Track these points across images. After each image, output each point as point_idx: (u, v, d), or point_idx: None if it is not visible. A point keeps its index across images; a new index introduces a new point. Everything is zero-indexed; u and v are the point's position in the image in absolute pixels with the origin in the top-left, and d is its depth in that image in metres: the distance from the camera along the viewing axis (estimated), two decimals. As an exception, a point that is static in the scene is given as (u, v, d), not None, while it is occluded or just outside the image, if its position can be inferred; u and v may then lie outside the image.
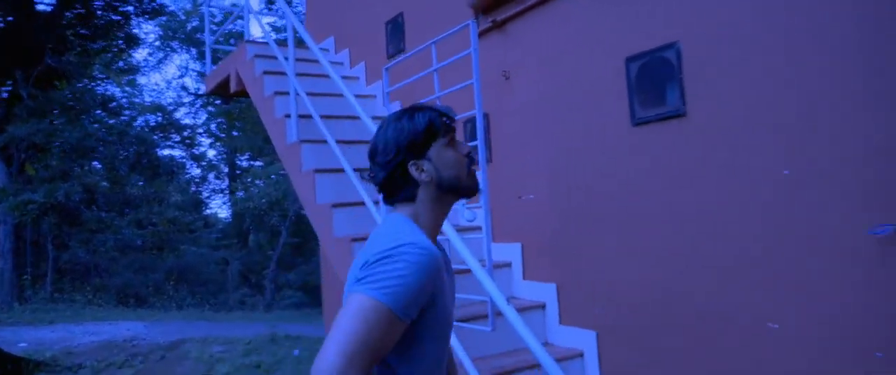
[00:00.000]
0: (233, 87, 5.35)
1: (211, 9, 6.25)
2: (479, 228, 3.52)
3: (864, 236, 1.89)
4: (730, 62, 2.29)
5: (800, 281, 2.10)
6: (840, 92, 1.97)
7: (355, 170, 3.39)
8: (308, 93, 4.26)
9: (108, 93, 16.87)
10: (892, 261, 1.85)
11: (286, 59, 4.13)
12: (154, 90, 23.32)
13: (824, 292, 2.03)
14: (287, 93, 4.33)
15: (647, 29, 2.60)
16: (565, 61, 3.05)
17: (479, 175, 2.44)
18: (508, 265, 3.40)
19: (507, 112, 3.43)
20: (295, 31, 4.23)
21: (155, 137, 19.69)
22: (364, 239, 3.29)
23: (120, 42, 14.92)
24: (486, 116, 3.57)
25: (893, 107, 1.84)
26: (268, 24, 18.69)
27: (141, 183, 16.64)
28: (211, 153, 26.00)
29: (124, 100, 21.55)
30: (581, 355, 2.97)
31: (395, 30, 4.56)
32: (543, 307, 3.19)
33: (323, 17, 5.77)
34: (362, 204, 3.42)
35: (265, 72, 4.64)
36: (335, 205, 3.49)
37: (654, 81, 2.56)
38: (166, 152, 23.51)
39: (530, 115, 3.26)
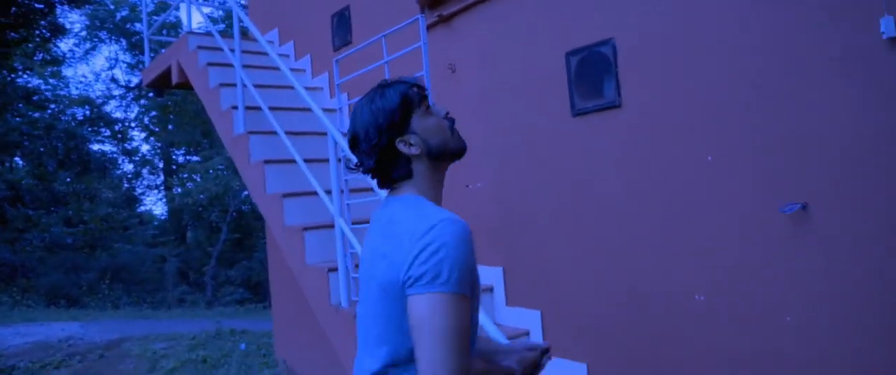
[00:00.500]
0: (174, 79, 5.26)
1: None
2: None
3: (776, 214, 2.12)
4: (660, 57, 2.49)
5: (722, 256, 2.32)
6: (755, 86, 2.19)
7: (306, 160, 3.44)
8: (255, 86, 4.27)
9: (32, 85, 15.99)
10: (801, 236, 2.08)
11: (232, 50, 4.12)
12: (81, 82, 22.19)
13: (743, 265, 2.25)
14: (233, 85, 4.31)
15: (586, 25, 2.77)
16: (509, 55, 3.19)
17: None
18: None
19: (454, 104, 3.55)
20: (240, 22, 4.22)
21: (85, 132, 18.83)
22: (316, 227, 3.35)
23: (44, 31, 14.16)
24: (433, 108, 3.69)
25: (803, 101, 2.06)
26: (206, 14, 18.20)
27: (68, 179, 15.89)
28: (144, 148, 25.02)
29: (49, 92, 20.47)
30: (527, 334, 3.14)
31: (342, 22, 4.60)
32: (491, 290, 3.34)
33: (267, 8, 5.73)
34: (314, 193, 3.47)
35: (209, 64, 4.60)
36: (286, 195, 3.53)
37: (593, 75, 2.74)
38: (97, 147, 22.47)
39: (476, 107, 3.40)
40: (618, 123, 2.65)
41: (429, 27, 3.68)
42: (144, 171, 24.24)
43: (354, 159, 1.23)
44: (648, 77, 2.53)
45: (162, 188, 22.57)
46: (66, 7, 14.13)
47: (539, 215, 3.07)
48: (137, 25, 21.21)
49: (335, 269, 3.09)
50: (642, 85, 2.56)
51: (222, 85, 4.37)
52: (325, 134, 4.22)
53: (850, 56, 1.93)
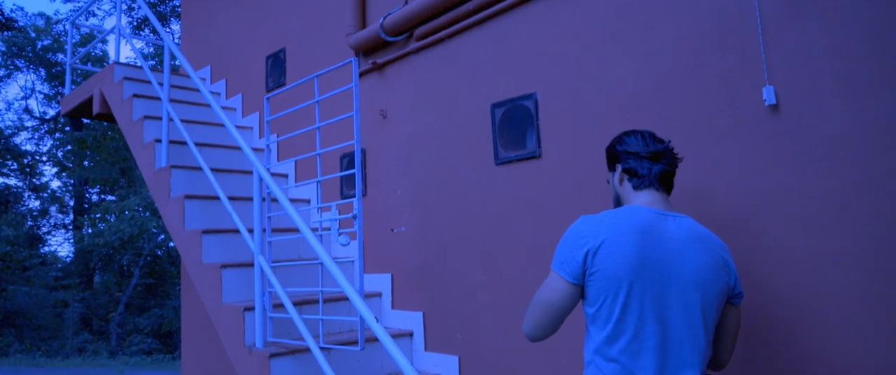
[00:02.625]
0: (96, 109, 5.10)
1: (69, 27, 5.93)
2: (351, 258, 3.64)
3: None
4: (576, 112, 2.67)
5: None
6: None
7: (230, 198, 3.39)
8: (182, 120, 4.20)
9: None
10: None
11: (161, 84, 4.06)
12: (-13, 112, 20.93)
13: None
14: (157, 119, 4.23)
15: (511, 79, 2.94)
16: (438, 104, 3.32)
17: (354, 204, 2.59)
18: (379, 295, 3.53)
19: (383, 149, 3.63)
20: (172, 56, 4.18)
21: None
22: (235, 266, 3.27)
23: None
24: (363, 152, 3.74)
25: (701, 162, 2.26)
26: (138, 49, 17.75)
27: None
28: (55, 184, 23.62)
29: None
30: (444, 380, 3.14)
31: (276, 64, 4.64)
32: (411, 335, 3.34)
33: (200, 46, 5.70)
34: (236, 231, 3.41)
35: (135, 96, 4.50)
36: (205, 232, 3.44)
37: (516, 126, 2.88)
38: (-1, 180, 21.04)
39: (404, 153, 3.48)
40: (538, 173, 2.79)
41: (363, 73, 3.77)
42: (53, 209, 22.80)
43: None
44: (566, 129, 2.70)
45: (70, 227, 21.24)
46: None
47: (460, 261, 3.13)
48: (60, 56, 20.39)
49: (252, 308, 3.02)
50: (561, 137, 2.72)
51: (146, 117, 4.27)
52: (251, 172, 4.18)
53: (738, 121, 2.14)
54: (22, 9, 22.43)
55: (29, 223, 22.02)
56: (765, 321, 2.05)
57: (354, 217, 2.54)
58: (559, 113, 2.74)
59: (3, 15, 13.16)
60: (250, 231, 3.29)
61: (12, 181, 21.69)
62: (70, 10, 19.15)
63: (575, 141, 2.67)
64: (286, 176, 4.43)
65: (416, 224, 3.37)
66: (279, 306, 3.12)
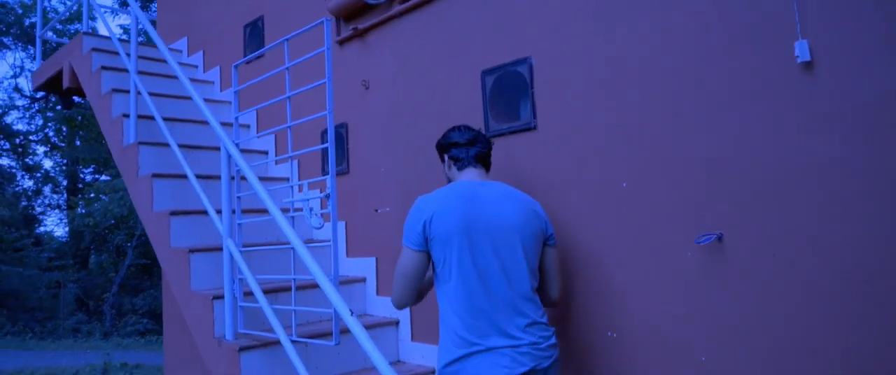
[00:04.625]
0: (65, 83, 4.80)
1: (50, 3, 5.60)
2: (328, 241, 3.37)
3: (691, 245, 2.00)
4: (576, 78, 2.37)
5: (635, 291, 2.18)
6: (672, 110, 2.09)
7: (198, 176, 3.11)
8: (152, 94, 3.91)
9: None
10: (715, 268, 1.97)
11: (129, 55, 3.76)
12: (-23, 91, 20.56)
13: (656, 299, 2.12)
14: (126, 92, 3.93)
15: (503, 42, 2.64)
16: (423, 72, 3.02)
17: (328, 181, 2.31)
18: (363, 280, 3.28)
19: (366, 122, 3.34)
20: (138, 25, 3.87)
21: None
22: (204, 250, 3.01)
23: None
24: (345, 126, 3.45)
25: (718, 123, 1.98)
26: (119, 25, 17.29)
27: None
28: (47, 164, 23.34)
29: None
30: (433, 372, 2.90)
31: (255, 34, 4.33)
32: (396, 324, 3.09)
33: (176, 16, 5.37)
34: (204, 212, 3.14)
35: (103, 68, 4.20)
36: (173, 213, 3.17)
37: (508, 94, 2.59)
38: (-8, 160, 20.79)
39: (388, 127, 3.19)
40: (533, 145, 2.51)
41: (344, 41, 3.47)
42: (46, 189, 22.55)
43: None
44: (564, 98, 2.41)
45: (64, 208, 20.99)
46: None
47: (450, 243, 2.86)
48: (50, 34, 19.90)
49: (221, 297, 2.76)
50: (557, 106, 2.43)
51: (115, 90, 3.97)
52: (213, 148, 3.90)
53: (765, 81, 1.86)
54: (9, -16, 21.87)
55: (23, 203, 21.78)
56: (807, 326, 1.79)
57: (328, 196, 2.27)
58: (557, 79, 2.44)
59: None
60: (219, 212, 3.02)
61: (5, 161, 21.40)
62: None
63: (575, 110, 2.38)
64: (266, 152, 4.15)
65: (401, 204, 3.09)
66: (251, 294, 2.87)
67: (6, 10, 18.95)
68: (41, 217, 22.68)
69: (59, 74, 4.93)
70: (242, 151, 3.92)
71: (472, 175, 2.12)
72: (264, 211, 3.37)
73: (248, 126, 4.31)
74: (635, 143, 2.18)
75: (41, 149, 21.97)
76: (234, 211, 2.77)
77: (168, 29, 5.40)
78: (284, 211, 3.20)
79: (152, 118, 3.81)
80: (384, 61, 3.24)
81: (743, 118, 1.90)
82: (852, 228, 1.68)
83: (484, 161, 2.15)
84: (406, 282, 2.02)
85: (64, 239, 20.93)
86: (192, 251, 2.99)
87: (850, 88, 1.69)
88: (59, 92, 4.99)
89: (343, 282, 3.20)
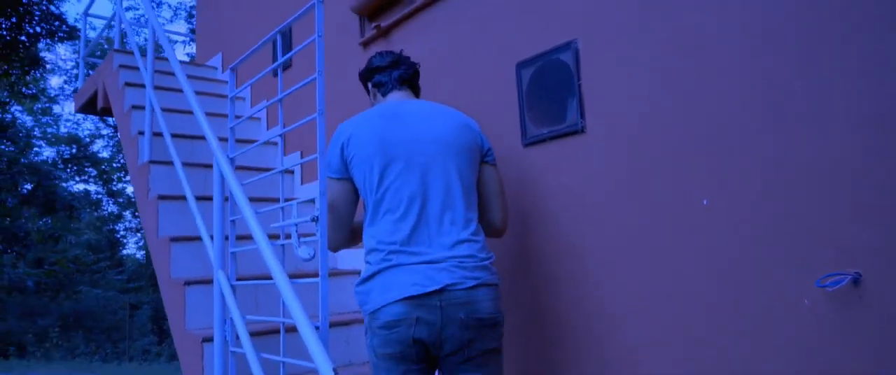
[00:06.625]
0: (100, 103, 4.65)
1: (82, 18, 5.58)
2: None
3: (810, 289, 1.40)
4: (638, 64, 1.81)
5: (734, 350, 1.57)
6: (771, 103, 1.50)
7: (197, 198, 2.74)
8: (171, 110, 3.64)
9: (7, 119, 15.48)
10: (849, 324, 1.35)
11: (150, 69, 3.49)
12: (69, 121, 21.84)
13: (759, 360, 1.51)
14: (144, 108, 3.66)
15: (540, 25, 2.11)
16: (450, 69, 2.54)
17: (318, 201, 1.84)
18: (357, 273, 2.82)
19: (391, 133, 2.88)
20: (157, 46, 3.61)
21: (64, 170, 18.27)
22: (198, 282, 2.62)
23: (27, 65, 13.73)
24: (368, 139, 3.01)
25: (844, 123, 1.37)
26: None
27: (26, 215, 15.10)
28: (129, 189, 24.47)
29: (37, 130, 20.06)
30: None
31: (283, 44, 3.99)
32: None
33: (211, 33, 5.16)
34: (200, 238, 2.76)
35: (127, 84, 3.97)
36: (174, 239, 2.81)
37: (549, 91, 2.06)
38: (81, 187, 21.93)
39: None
40: (580, 153, 1.96)
41: (368, 41, 3.05)
42: (127, 213, 23.56)
43: None
44: (619, 91, 1.85)
45: (143, 230, 21.87)
46: (49, 40, 13.73)
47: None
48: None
49: (210, 339, 2.34)
50: (611, 101, 1.88)
51: (134, 107, 3.72)
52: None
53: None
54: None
55: (108, 226, 22.85)
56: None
57: (316, 220, 1.80)
58: (610, 67, 1.89)
59: (67, 25, 13.34)
60: (220, 237, 2.62)
61: (92, 187, 22.57)
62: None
63: (634, 105, 1.82)
64: (293, 172, 3.77)
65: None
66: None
67: (96, 45, 20.08)
68: (123, 240, 23.69)
69: (95, 95, 4.79)
70: (260, 170, 3.56)
71: (396, 97, 1.94)
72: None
73: (276, 143, 3.96)
74: (723, 149, 1.60)
75: (124, 176, 23.04)
76: (227, 238, 2.36)
77: (205, 46, 5.21)
78: (273, 237, 2.77)
79: (171, 136, 3.52)
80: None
81: (879, 110, 1.30)
82: None
83: (410, 82, 1.97)
84: (333, 216, 1.82)
85: (142, 261, 21.73)
86: (188, 283, 2.60)
87: None
88: (96, 112, 4.84)
89: (336, 274, 2.90)
